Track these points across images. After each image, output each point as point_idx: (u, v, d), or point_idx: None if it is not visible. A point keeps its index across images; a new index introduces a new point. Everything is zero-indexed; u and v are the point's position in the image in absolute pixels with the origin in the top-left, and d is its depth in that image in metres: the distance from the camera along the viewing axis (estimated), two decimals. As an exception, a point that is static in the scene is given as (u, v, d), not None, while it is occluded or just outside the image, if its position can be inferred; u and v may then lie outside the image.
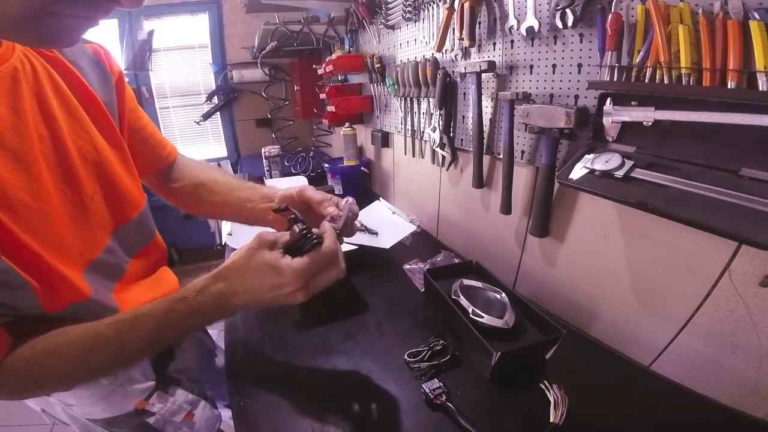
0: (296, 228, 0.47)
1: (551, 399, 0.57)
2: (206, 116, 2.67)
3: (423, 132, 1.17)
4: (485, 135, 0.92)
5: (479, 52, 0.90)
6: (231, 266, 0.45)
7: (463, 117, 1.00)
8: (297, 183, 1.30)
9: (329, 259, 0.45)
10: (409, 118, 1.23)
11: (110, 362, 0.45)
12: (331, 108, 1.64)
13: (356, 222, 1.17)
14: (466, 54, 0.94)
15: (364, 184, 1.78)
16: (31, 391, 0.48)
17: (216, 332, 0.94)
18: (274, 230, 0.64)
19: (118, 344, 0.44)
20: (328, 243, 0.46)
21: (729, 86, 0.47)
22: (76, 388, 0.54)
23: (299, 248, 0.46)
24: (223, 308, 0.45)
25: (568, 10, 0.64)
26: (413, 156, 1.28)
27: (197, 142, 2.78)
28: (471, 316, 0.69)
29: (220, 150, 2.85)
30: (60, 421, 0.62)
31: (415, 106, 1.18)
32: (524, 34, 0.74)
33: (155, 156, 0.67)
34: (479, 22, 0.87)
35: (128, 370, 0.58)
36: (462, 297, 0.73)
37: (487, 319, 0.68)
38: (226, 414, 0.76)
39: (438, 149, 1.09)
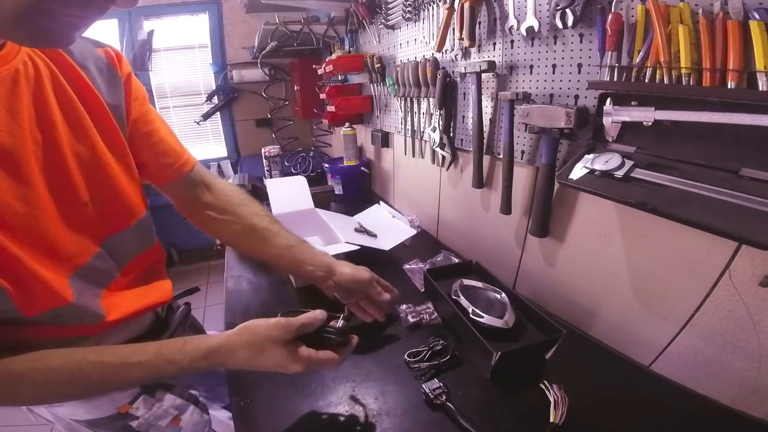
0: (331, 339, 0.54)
1: (551, 399, 0.57)
2: (206, 116, 2.68)
3: (423, 132, 1.17)
4: (485, 135, 0.92)
5: (479, 52, 0.90)
6: (244, 344, 0.49)
7: (463, 117, 1.00)
8: (296, 183, 1.30)
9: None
10: (409, 118, 1.23)
11: (84, 394, 0.47)
12: (331, 108, 1.64)
13: (356, 223, 1.17)
14: (466, 54, 0.94)
15: (364, 184, 1.78)
16: None
17: (216, 333, 0.94)
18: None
19: (99, 383, 0.44)
20: (345, 355, 0.55)
21: (729, 86, 0.47)
22: None
23: (322, 339, 0.53)
24: (215, 370, 0.49)
25: (568, 10, 0.64)
26: (413, 156, 1.28)
27: (197, 142, 2.78)
28: (471, 316, 0.69)
29: (220, 150, 2.85)
30: (46, 419, 0.61)
31: (415, 106, 1.18)
32: (524, 34, 0.74)
33: (165, 165, 0.62)
34: (479, 22, 0.87)
35: None
36: (462, 297, 0.73)
37: (487, 319, 0.68)
38: (224, 415, 0.76)
39: (438, 149, 1.09)
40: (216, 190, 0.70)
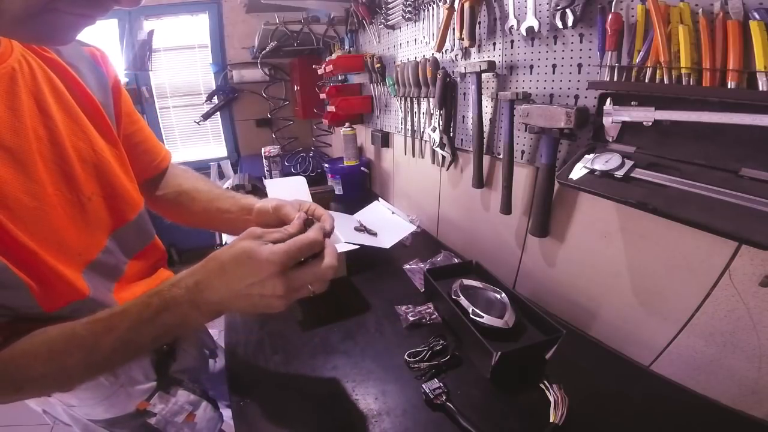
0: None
1: (551, 399, 0.57)
2: (206, 116, 2.67)
3: (423, 132, 1.17)
4: (485, 135, 0.92)
5: (479, 52, 0.90)
6: (211, 256, 0.43)
7: (463, 117, 1.00)
8: (296, 183, 1.30)
9: (310, 248, 0.42)
10: (409, 118, 1.23)
11: (84, 362, 0.42)
12: (331, 108, 1.64)
13: (356, 222, 1.17)
14: (466, 54, 0.94)
15: (364, 184, 1.78)
16: (9, 395, 0.44)
17: (216, 332, 0.94)
18: None
19: (92, 343, 0.41)
20: (312, 233, 0.43)
21: (729, 86, 0.47)
22: (77, 389, 0.54)
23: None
24: (197, 302, 0.42)
25: (568, 10, 0.64)
26: (413, 156, 1.28)
27: (197, 142, 2.79)
28: (471, 316, 0.69)
29: (220, 150, 2.85)
30: (61, 421, 0.62)
31: (415, 106, 1.18)
32: (524, 34, 0.74)
33: (145, 162, 0.65)
34: (479, 22, 0.87)
35: (109, 373, 0.56)
36: (462, 297, 0.73)
37: (487, 319, 0.68)
38: (226, 414, 0.76)
39: (438, 149, 1.09)
40: (167, 172, 0.70)
